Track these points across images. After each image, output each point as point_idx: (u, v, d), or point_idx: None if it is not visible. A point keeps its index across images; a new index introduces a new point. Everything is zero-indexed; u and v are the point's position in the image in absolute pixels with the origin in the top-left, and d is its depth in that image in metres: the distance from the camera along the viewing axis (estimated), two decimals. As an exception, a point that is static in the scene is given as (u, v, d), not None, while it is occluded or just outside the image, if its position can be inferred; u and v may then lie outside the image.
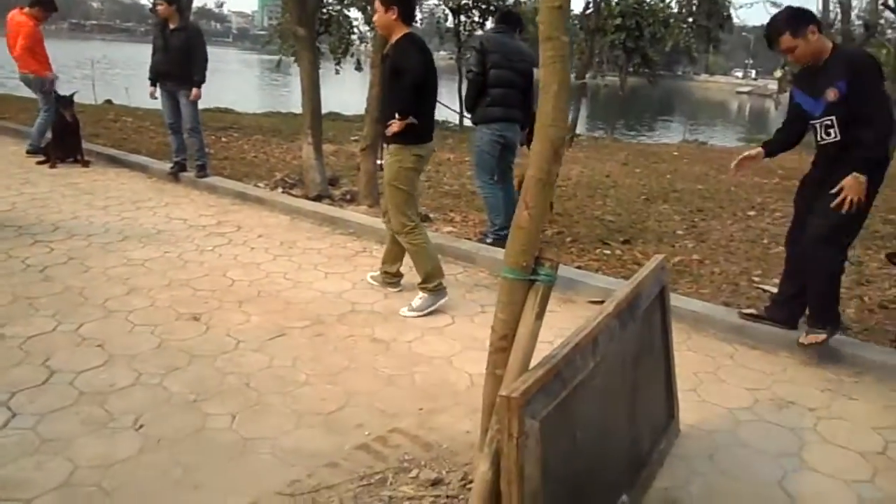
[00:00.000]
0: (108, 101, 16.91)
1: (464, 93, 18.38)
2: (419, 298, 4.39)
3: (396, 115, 4.20)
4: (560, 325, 3.98)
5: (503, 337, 2.00)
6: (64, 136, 7.85)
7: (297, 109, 19.18)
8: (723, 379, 3.71)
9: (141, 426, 3.00)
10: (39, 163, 7.84)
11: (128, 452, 2.81)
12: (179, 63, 6.90)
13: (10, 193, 6.66)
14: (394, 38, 4.30)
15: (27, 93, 9.39)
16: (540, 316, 1.97)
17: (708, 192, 8.61)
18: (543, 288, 1.98)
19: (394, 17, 4.21)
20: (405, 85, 4.20)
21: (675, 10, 16.24)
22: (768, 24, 3.83)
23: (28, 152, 8.15)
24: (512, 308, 2.00)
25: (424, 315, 4.31)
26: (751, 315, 4.22)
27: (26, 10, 7.91)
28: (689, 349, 4.02)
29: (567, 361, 2.00)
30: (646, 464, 2.67)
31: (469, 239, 5.74)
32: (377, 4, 4.24)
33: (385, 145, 4.47)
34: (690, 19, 16.95)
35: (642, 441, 2.70)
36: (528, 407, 1.80)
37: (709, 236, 6.38)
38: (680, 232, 6.49)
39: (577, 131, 15.77)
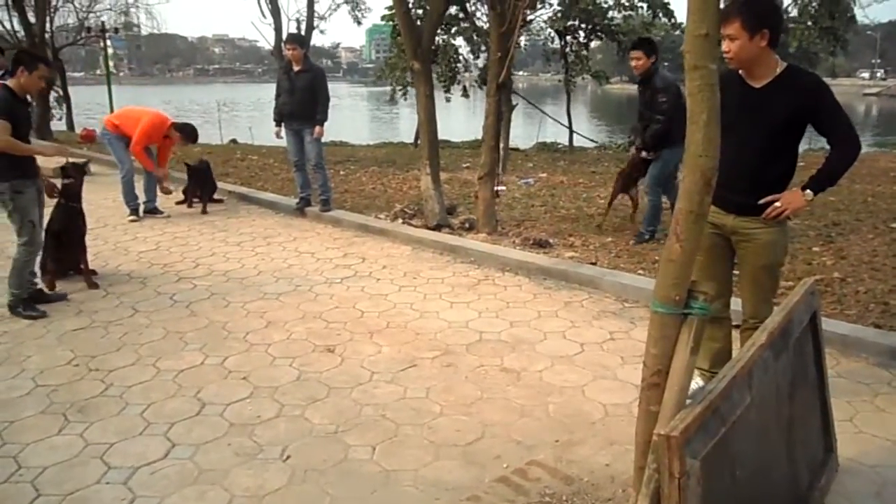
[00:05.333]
0: (234, 141, 17.96)
1: (571, 116, 18.26)
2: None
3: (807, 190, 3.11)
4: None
5: (656, 372, 1.95)
6: (194, 178, 8.39)
7: (408, 139, 19.76)
8: (882, 408, 3.45)
9: (288, 457, 3.13)
10: (178, 203, 8.40)
11: (278, 483, 2.93)
12: (305, 103, 7.23)
13: (154, 233, 7.17)
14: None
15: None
16: (695, 351, 1.92)
17: (842, 203, 8.10)
18: (697, 321, 1.92)
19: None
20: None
21: (795, 14, 15.48)
22: None
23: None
24: (664, 343, 1.95)
25: None
26: None
27: None
28: (839, 376, 3.77)
29: (724, 397, 1.93)
30: (807, 501, 2.52)
31: (592, 264, 5.66)
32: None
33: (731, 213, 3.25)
34: (811, 22, 16.14)
35: (801, 477, 2.55)
36: (689, 446, 1.75)
37: (849, 252, 5.99)
38: (816, 249, 6.13)
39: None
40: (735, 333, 3.52)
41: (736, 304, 3.46)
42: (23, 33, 15.46)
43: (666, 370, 1.95)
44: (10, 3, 15.17)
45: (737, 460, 2.01)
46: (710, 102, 1.78)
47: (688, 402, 1.95)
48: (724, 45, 2.96)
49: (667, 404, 1.90)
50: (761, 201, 3.08)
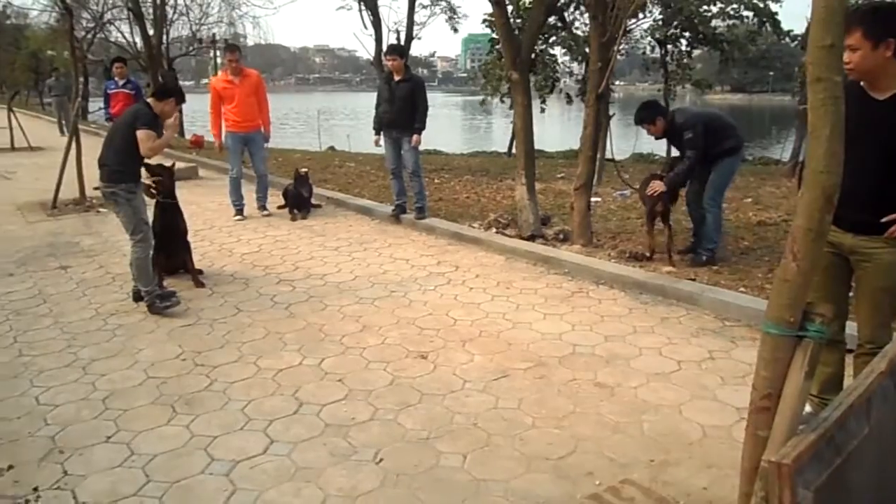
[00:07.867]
0: (332, 148, 18.50)
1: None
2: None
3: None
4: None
5: (766, 396, 1.87)
6: (297, 196, 8.63)
7: (501, 148, 19.81)
8: None
9: (381, 460, 3.18)
10: (280, 207, 8.70)
11: (371, 485, 2.98)
12: (404, 112, 7.37)
13: (256, 236, 7.46)
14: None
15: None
16: (809, 375, 1.82)
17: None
18: (814, 345, 1.83)
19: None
20: None
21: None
22: None
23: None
24: (776, 365, 1.86)
25: None
26: None
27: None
28: (963, 409, 3.51)
29: (839, 426, 1.83)
30: (926, 543, 2.35)
31: (691, 279, 5.48)
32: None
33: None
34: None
35: (921, 516, 2.39)
36: (801, 475, 1.66)
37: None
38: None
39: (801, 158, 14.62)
40: (848, 359, 3.33)
41: (850, 327, 3.27)
42: (141, 44, 16.47)
43: (777, 394, 1.87)
44: (131, 17, 16.20)
45: (853, 494, 1.90)
46: (833, 116, 1.70)
47: (799, 428, 1.86)
48: (846, 56, 2.78)
49: (777, 430, 1.82)
50: (884, 219, 2.90)
